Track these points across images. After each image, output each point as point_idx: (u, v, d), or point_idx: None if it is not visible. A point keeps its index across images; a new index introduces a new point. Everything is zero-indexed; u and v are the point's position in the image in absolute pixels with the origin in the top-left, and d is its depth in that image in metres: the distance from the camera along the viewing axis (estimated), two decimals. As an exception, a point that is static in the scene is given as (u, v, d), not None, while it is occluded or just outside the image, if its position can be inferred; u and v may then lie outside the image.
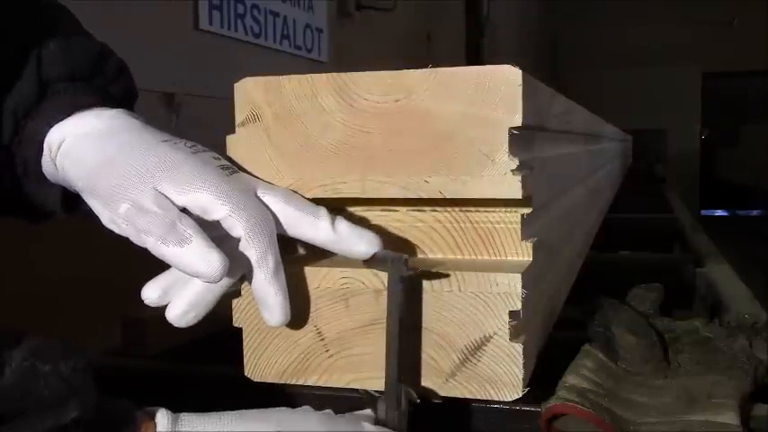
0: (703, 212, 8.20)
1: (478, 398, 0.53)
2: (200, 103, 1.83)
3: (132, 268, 0.62)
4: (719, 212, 8.81)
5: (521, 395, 0.52)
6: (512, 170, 0.52)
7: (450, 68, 0.53)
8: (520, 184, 0.52)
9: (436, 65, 0.54)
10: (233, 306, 0.58)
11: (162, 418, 0.45)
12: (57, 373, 0.41)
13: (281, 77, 0.57)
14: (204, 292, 0.53)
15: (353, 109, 0.55)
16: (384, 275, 0.53)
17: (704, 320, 0.66)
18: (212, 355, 0.66)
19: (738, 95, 8.47)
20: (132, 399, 0.45)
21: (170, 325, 0.53)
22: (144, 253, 0.50)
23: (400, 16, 3.39)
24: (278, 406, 0.50)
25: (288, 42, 2.42)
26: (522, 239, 0.55)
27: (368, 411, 0.51)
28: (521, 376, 0.52)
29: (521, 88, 0.52)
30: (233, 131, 0.59)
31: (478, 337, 0.52)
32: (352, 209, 0.59)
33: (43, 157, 0.56)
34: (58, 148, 0.55)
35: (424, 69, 0.54)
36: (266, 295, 0.52)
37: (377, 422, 0.50)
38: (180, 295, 0.53)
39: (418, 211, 0.57)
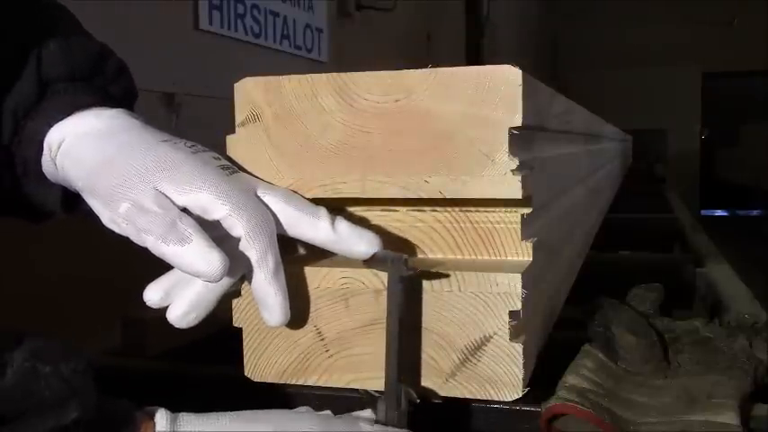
0: (703, 212, 8.20)
1: (478, 398, 0.53)
2: (200, 103, 1.83)
3: (132, 268, 0.63)
4: (719, 212, 8.81)
5: (521, 395, 0.52)
6: (512, 170, 0.52)
7: (451, 68, 0.53)
8: (520, 184, 0.52)
9: (436, 65, 0.54)
10: (233, 306, 0.58)
11: (161, 418, 0.45)
12: (57, 373, 0.41)
13: (281, 77, 0.57)
14: (205, 292, 0.53)
15: (353, 109, 0.55)
16: (384, 275, 0.53)
17: (704, 320, 0.66)
18: (212, 355, 0.66)
19: (738, 95, 8.47)
20: (132, 399, 0.45)
21: (170, 325, 0.53)
22: (144, 253, 0.50)
23: (400, 16, 3.39)
24: (278, 406, 0.50)
25: (288, 42, 2.42)
26: (522, 239, 0.55)
27: (368, 412, 0.51)
28: (521, 376, 0.52)
29: (521, 88, 0.52)
30: (233, 131, 0.59)
31: (478, 337, 0.52)
32: (352, 209, 0.59)
33: (43, 156, 0.56)
34: (58, 147, 0.55)
35: (424, 69, 0.54)
36: (266, 295, 0.52)
37: (377, 422, 0.50)
38: (181, 296, 0.53)
39: (418, 211, 0.57)
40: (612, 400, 0.55)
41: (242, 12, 2.12)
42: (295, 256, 0.59)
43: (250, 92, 0.58)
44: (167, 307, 0.53)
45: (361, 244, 0.54)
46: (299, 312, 0.55)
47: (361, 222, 0.57)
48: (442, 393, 0.54)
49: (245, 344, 0.58)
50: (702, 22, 7.95)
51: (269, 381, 0.58)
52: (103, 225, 0.53)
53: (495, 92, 0.52)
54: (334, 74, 0.55)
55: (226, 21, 2.04)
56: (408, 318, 0.53)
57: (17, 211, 0.61)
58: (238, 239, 0.51)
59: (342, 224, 0.54)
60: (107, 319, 0.83)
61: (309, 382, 0.57)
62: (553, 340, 0.67)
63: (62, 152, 0.55)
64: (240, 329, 0.58)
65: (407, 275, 0.51)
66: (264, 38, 2.26)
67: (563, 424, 0.53)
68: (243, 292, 0.57)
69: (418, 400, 0.50)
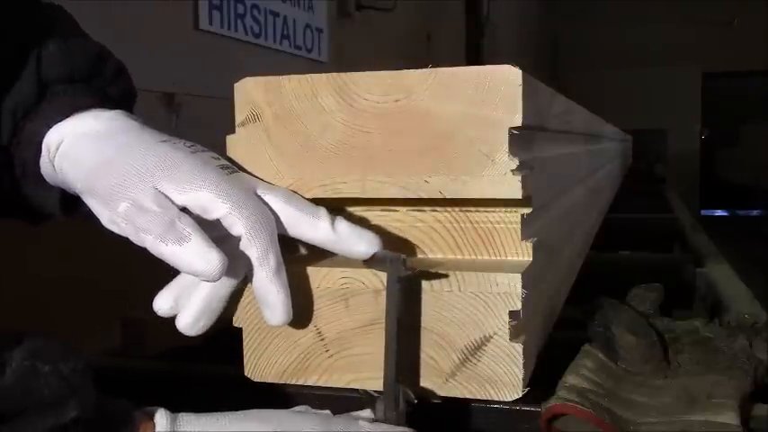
0: (703, 212, 8.20)
1: (478, 398, 0.53)
2: (200, 103, 1.83)
3: (132, 269, 0.63)
4: (719, 212, 8.81)
5: (521, 395, 0.52)
6: (512, 170, 0.52)
7: (450, 68, 0.53)
8: (520, 184, 0.52)
9: (436, 65, 0.54)
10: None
11: (161, 418, 0.45)
12: (57, 373, 0.41)
13: (281, 77, 0.57)
14: (211, 297, 0.53)
15: (353, 109, 0.55)
16: (384, 275, 0.53)
17: (704, 320, 0.66)
18: (212, 355, 0.66)
19: (738, 95, 8.47)
20: (132, 399, 0.45)
21: (170, 325, 0.53)
22: (143, 253, 0.50)
23: (400, 16, 3.39)
24: (278, 406, 0.50)
25: (288, 42, 2.42)
26: (522, 239, 0.55)
27: (367, 412, 0.51)
28: (521, 376, 0.52)
29: (521, 88, 0.52)
30: (233, 131, 0.59)
31: (478, 337, 0.52)
32: (351, 209, 0.59)
33: (41, 158, 0.56)
34: (57, 149, 0.55)
35: (423, 69, 0.54)
36: (268, 293, 0.52)
37: (375, 422, 0.50)
38: (188, 305, 0.53)
39: (418, 211, 0.57)
40: (612, 400, 0.55)
41: (242, 12, 2.12)
42: (295, 255, 0.59)
43: (250, 92, 0.58)
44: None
45: (361, 244, 0.54)
46: (299, 312, 0.55)
47: (361, 222, 0.57)
48: (442, 393, 0.54)
49: (245, 344, 0.58)
50: (702, 22, 7.95)
51: (269, 381, 0.58)
52: (103, 226, 0.53)
53: (495, 92, 0.52)
54: (334, 74, 0.55)
55: (226, 21, 2.04)
56: (408, 318, 0.53)
57: (16, 213, 0.61)
58: (239, 239, 0.51)
59: (341, 224, 0.54)
60: (106, 319, 0.83)
61: (309, 382, 0.57)
62: (553, 340, 0.67)
63: (60, 153, 0.55)
64: (240, 329, 0.58)
65: (405, 276, 0.51)
66: (264, 38, 2.26)
67: (563, 424, 0.53)
68: (243, 292, 0.57)
69: (416, 401, 0.50)
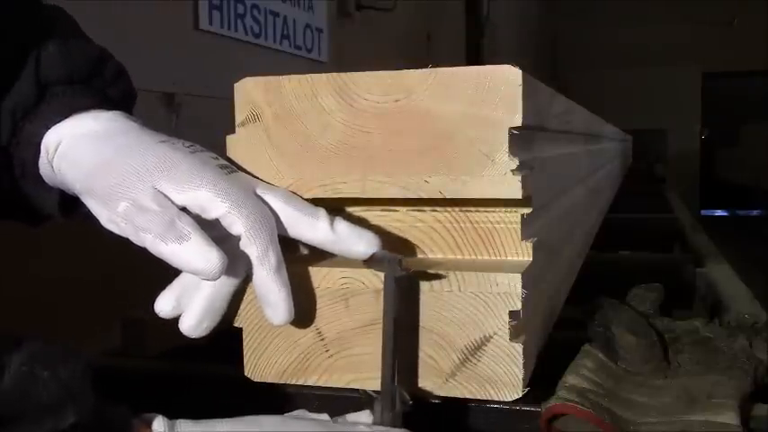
0: (703, 212, 8.21)
1: (478, 398, 0.53)
2: (200, 103, 1.83)
3: (131, 269, 0.63)
4: (719, 212, 8.81)
5: (521, 395, 0.52)
6: (512, 170, 0.52)
7: (450, 68, 0.53)
8: (520, 184, 0.52)
9: (436, 65, 0.54)
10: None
11: (158, 425, 0.45)
12: (55, 378, 0.41)
13: (281, 77, 0.57)
14: (213, 297, 0.53)
15: (353, 109, 0.55)
16: (383, 275, 0.53)
17: (704, 320, 0.66)
18: (212, 355, 0.66)
19: (738, 95, 8.47)
20: (132, 399, 0.45)
21: (170, 325, 0.53)
22: (143, 254, 0.50)
23: (400, 16, 3.39)
24: (278, 406, 0.49)
25: (288, 42, 2.42)
26: (522, 239, 0.55)
27: (366, 413, 0.51)
28: (521, 376, 0.52)
29: (521, 88, 0.52)
30: (233, 131, 0.59)
31: (478, 337, 0.52)
32: (351, 209, 0.59)
33: (40, 159, 0.56)
34: (55, 150, 0.55)
35: (423, 69, 0.54)
36: (269, 292, 0.52)
37: (374, 424, 0.50)
38: (190, 307, 0.53)
39: (418, 211, 0.57)
40: (612, 400, 0.55)
41: (242, 12, 2.12)
42: (295, 256, 0.59)
43: (250, 92, 0.58)
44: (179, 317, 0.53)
45: (360, 244, 0.54)
46: (299, 312, 0.55)
47: (361, 222, 0.57)
48: (442, 393, 0.54)
49: (245, 344, 0.58)
50: (702, 22, 7.95)
51: (269, 381, 0.58)
52: (102, 226, 0.53)
53: (495, 92, 0.52)
54: (334, 74, 0.55)
55: (226, 21, 2.04)
56: (407, 318, 0.53)
57: (16, 214, 0.61)
58: (239, 238, 0.51)
59: (341, 224, 0.54)
60: (106, 319, 0.83)
61: (309, 382, 0.57)
62: (553, 340, 0.67)
63: (59, 154, 0.55)
64: (240, 329, 0.58)
65: (401, 276, 0.51)
66: (264, 38, 2.26)
67: (563, 424, 0.53)
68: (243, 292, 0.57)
69: (411, 402, 0.50)
